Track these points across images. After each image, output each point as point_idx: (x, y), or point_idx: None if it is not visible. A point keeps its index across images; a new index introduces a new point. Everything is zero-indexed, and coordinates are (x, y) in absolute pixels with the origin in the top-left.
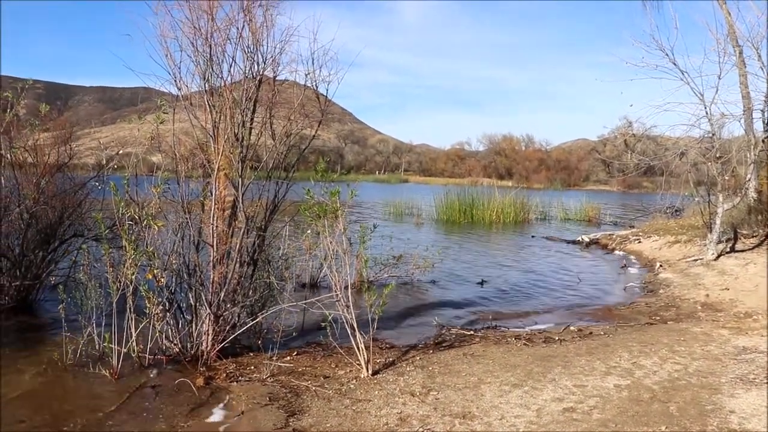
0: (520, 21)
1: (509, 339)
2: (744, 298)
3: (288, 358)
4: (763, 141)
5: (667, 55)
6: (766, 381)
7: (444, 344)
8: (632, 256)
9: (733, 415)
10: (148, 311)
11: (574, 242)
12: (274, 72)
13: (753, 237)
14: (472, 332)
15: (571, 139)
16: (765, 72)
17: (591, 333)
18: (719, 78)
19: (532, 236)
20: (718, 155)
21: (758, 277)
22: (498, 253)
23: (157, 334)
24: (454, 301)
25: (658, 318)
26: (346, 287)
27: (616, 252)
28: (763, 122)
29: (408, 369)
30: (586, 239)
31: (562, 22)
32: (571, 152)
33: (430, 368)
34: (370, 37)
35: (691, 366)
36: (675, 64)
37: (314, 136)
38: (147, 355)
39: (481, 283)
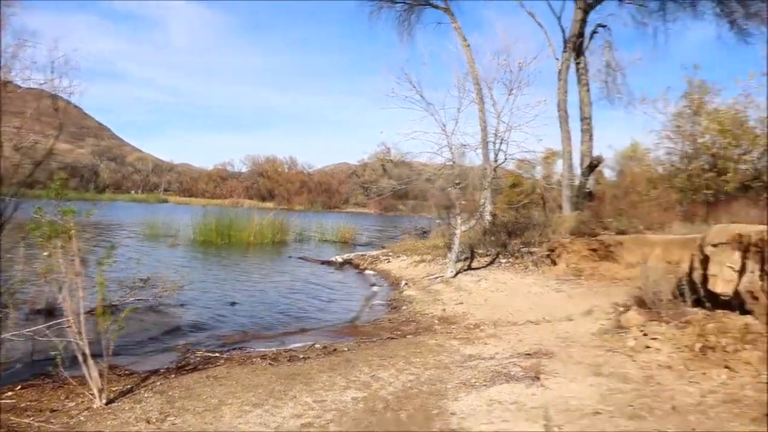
0: (295, 47)
1: (255, 359)
2: (475, 311)
3: (10, 393)
4: (494, 170)
5: (414, 87)
6: (484, 383)
7: (187, 368)
8: (381, 275)
9: (454, 417)
10: None
11: (328, 262)
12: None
13: (487, 256)
14: (217, 354)
15: (333, 163)
16: (495, 109)
17: (335, 350)
18: (459, 111)
19: (289, 257)
20: (457, 182)
21: (488, 291)
22: (253, 273)
23: None
24: (203, 323)
25: (399, 332)
26: (78, 312)
27: (367, 271)
28: (494, 153)
29: (146, 395)
30: (340, 259)
31: (334, 50)
32: (332, 175)
33: (171, 393)
34: (133, 52)
35: (423, 375)
36: (422, 96)
37: (51, 149)
38: None
39: (233, 304)
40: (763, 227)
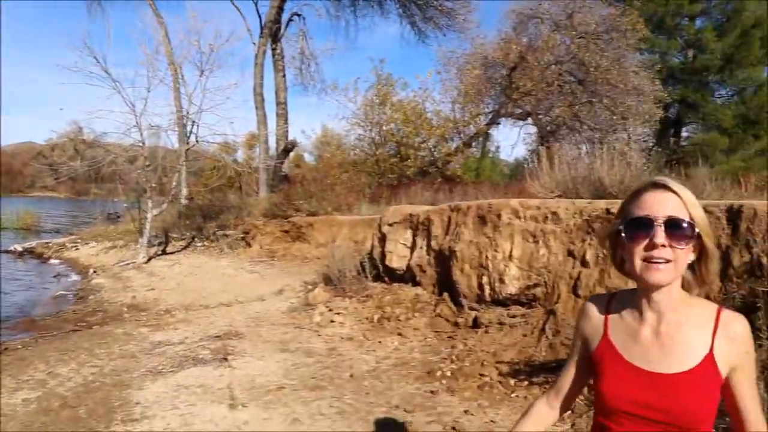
0: None
1: None
2: (167, 296)
3: None
4: (186, 152)
5: (99, 62)
6: (171, 369)
7: None
8: (68, 264)
9: (137, 407)
10: None
11: (6, 252)
12: None
13: (182, 240)
14: None
15: (15, 142)
16: (186, 90)
17: (7, 348)
18: (148, 91)
19: None
20: (147, 164)
21: (182, 276)
22: None
23: None
24: None
25: (84, 324)
26: None
27: (52, 260)
28: (186, 135)
29: None
30: (20, 248)
31: (15, 19)
32: (14, 156)
33: None
34: None
35: (107, 367)
36: (108, 73)
37: None
38: None
39: None
40: (428, 207)
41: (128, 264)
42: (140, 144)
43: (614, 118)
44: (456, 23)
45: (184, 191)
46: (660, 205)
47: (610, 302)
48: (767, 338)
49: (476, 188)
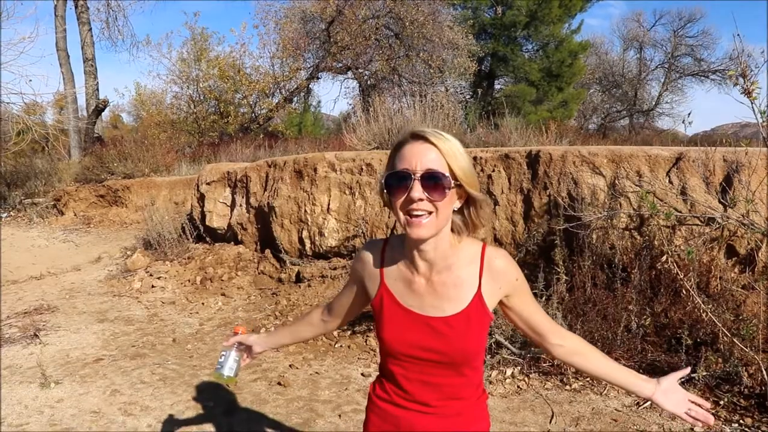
0: None
1: None
2: None
3: None
4: None
5: None
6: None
7: None
8: None
9: None
10: None
11: None
12: None
13: None
14: None
15: None
16: None
17: None
18: None
19: None
20: None
21: None
22: None
23: None
24: None
25: None
26: None
27: None
28: None
29: None
30: None
31: None
32: None
33: None
34: None
35: None
36: None
37: None
38: None
39: None
40: (246, 164)
41: None
42: None
43: (431, 71)
44: None
45: None
46: (418, 157)
47: (385, 249)
48: (564, 272)
49: (297, 143)
